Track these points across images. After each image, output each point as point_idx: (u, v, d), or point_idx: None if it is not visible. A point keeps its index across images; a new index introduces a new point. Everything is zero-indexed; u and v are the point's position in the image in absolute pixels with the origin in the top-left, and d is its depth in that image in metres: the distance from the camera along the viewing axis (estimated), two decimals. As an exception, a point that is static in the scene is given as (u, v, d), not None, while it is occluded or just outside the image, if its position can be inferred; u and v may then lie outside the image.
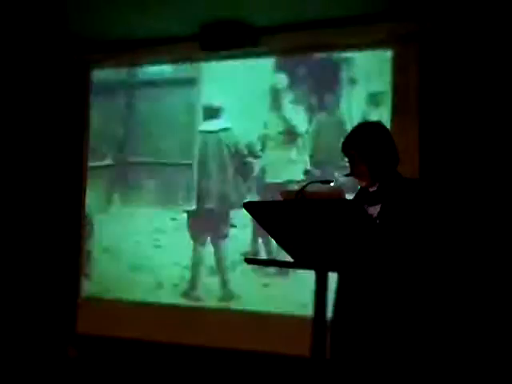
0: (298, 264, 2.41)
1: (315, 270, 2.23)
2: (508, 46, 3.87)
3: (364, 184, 2.45)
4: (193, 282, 4.73)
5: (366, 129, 2.47)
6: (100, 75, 5.19)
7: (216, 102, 4.76)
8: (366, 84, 4.35)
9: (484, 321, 3.65)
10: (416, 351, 2.34)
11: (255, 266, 4.28)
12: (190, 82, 4.87)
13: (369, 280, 2.33)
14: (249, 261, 2.36)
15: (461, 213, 3.74)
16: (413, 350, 2.34)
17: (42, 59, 5.08)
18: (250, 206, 2.35)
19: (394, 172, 2.44)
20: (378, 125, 2.55)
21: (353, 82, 4.41)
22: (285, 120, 4.58)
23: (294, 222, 2.22)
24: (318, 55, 4.53)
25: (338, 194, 2.09)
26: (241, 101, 4.67)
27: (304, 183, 2.37)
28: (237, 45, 4.56)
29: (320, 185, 2.29)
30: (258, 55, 4.67)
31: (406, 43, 4.20)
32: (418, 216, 2.27)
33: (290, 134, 4.56)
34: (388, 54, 4.29)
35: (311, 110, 4.52)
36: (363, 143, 2.40)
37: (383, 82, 4.28)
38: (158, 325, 4.67)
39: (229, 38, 4.55)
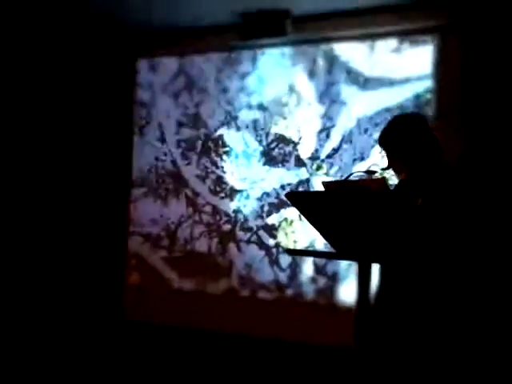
0: (341, 255, 2.40)
1: (358, 261, 2.22)
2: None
3: (401, 178, 2.41)
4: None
5: (402, 123, 2.40)
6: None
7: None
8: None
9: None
10: (456, 346, 2.30)
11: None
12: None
13: (411, 272, 2.30)
14: (290, 251, 2.35)
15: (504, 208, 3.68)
16: (456, 345, 2.31)
17: (90, 53, 5.15)
18: (291, 197, 2.34)
19: (434, 163, 2.38)
20: (414, 117, 2.46)
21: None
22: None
23: (336, 213, 2.20)
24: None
25: (381, 184, 2.06)
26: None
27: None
28: (278, 33, 4.53)
29: (364, 175, 2.26)
30: (301, 43, 4.63)
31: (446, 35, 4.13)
32: (459, 208, 2.22)
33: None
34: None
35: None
36: (397, 139, 2.35)
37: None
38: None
39: (270, 26, 4.53)
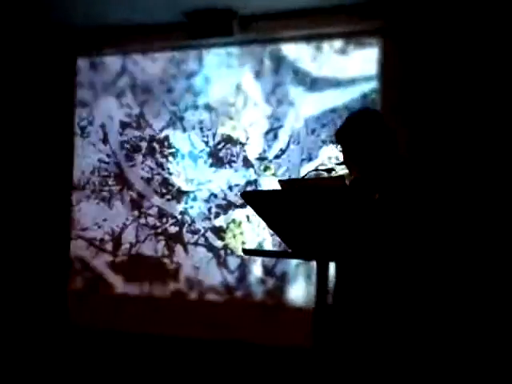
0: (297, 254, 2.37)
1: (315, 260, 2.20)
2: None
3: (355, 174, 2.41)
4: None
5: (359, 118, 2.40)
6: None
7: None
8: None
9: (485, 314, 3.68)
10: (415, 344, 2.32)
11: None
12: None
13: (369, 270, 2.30)
14: (246, 252, 2.31)
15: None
16: (412, 342, 2.32)
17: (27, 52, 4.97)
18: (247, 196, 2.31)
19: (391, 157, 2.39)
20: (371, 113, 2.47)
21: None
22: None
23: (292, 212, 2.18)
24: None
25: (339, 181, 2.04)
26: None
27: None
28: (225, 32, 4.49)
29: (322, 173, 2.25)
30: (248, 43, 4.60)
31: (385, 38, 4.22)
32: (416, 202, 2.24)
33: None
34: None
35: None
36: (356, 134, 2.35)
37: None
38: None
39: (217, 26, 4.48)
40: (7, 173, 4.90)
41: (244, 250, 2.31)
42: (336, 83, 4.36)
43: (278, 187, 2.25)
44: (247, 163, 4.57)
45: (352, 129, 2.38)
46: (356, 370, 2.38)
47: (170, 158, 4.81)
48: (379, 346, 2.32)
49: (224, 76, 4.68)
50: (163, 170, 4.83)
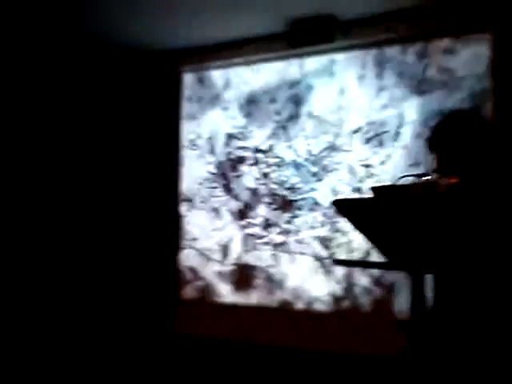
0: (390, 265, 2.28)
1: (409, 272, 2.10)
2: None
3: (451, 182, 2.26)
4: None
5: (456, 120, 2.26)
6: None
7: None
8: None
9: None
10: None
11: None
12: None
13: (468, 282, 2.15)
14: (337, 262, 2.25)
15: None
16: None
17: (136, 72, 5.22)
18: (339, 204, 2.24)
19: (490, 166, 2.23)
20: (469, 114, 2.31)
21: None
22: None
23: (384, 220, 2.09)
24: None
25: (427, 188, 1.93)
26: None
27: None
28: (327, 39, 4.45)
29: (415, 179, 2.14)
30: (350, 48, 4.52)
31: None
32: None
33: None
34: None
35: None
36: (451, 137, 2.21)
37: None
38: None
39: (318, 33, 4.44)
40: (118, 186, 5.15)
41: (334, 261, 2.24)
42: (443, 84, 4.17)
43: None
44: (351, 170, 4.48)
45: (446, 130, 2.25)
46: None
47: (275, 168, 4.82)
48: (478, 358, 2.17)
49: (326, 83, 4.63)
50: (268, 179, 4.85)
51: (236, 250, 4.95)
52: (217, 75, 5.15)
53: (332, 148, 4.58)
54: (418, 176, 2.15)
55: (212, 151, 5.15)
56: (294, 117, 4.76)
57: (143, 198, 5.21)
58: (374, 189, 2.12)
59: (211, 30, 4.69)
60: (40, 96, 4.74)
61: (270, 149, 4.85)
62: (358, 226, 2.24)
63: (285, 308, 4.68)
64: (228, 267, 4.98)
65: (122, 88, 5.20)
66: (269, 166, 4.85)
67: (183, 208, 5.24)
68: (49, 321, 4.52)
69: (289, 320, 4.62)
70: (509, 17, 3.92)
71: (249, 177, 4.94)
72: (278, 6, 4.22)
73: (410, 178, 2.15)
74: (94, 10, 4.30)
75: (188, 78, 5.29)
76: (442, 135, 2.25)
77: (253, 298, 4.83)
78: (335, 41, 4.46)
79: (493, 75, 3.98)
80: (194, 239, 5.17)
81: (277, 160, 4.82)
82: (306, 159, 4.69)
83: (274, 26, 4.54)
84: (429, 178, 2.08)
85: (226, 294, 4.96)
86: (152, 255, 5.15)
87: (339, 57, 4.58)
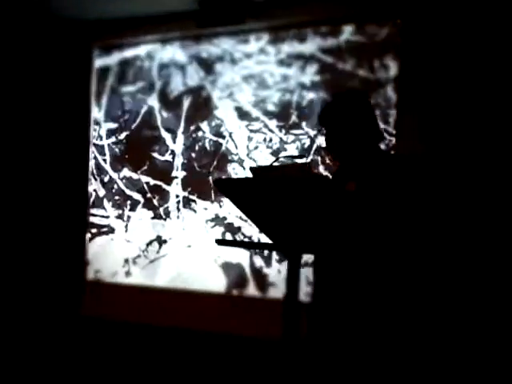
0: (268, 246, 2.28)
1: (285, 252, 2.11)
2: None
3: (337, 160, 2.30)
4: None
5: (343, 101, 2.28)
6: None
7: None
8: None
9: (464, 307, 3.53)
10: (398, 336, 2.19)
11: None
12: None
13: (345, 261, 2.19)
14: (219, 242, 2.23)
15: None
16: (394, 335, 2.19)
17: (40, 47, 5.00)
18: (219, 184, 2.23)
19: (373, 148, 2.27)
20: (357, 96, 2.34)
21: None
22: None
23: (261, 201, 2.09)
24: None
25: (303, 169, 1.94)
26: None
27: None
28: (235, 20, 4.40)
29: (293, 160, 2.14)
30: (257, 31, 4.50)
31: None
32: (394, 193, 2.11)
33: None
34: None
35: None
36: (338, 118, 2.23)
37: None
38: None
39: (227, 14, 4.39)
40: (26, 162, 4.96)
41: (217, 241, 2.23)
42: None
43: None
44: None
45: (334, 110, 2.27)
46: (338, 364, 2.28)
47: (184, 149, 4.78)
48: (360, 341, 2.21)
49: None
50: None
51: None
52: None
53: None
54: (295, 157, 2.16)
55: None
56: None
57: (49, 177, 5.03)
58: (252, 169, 2.11)
59: (123, 4, 4.57)
60: None
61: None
62: (239, 206, 2.23)
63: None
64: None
65: (31, 55, 4.97)
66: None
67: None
68: None
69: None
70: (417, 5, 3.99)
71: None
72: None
73: (288, 159, 2.16)
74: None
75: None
76: (330, 113, 2.28)
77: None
78: (246, 23, 4.42)
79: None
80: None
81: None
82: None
83: (183, 4, 4.46)
84: (305, 159, 2.08)
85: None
86: (58, 235, 5.00)
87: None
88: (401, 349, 2.20)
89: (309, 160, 2.06)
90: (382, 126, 4.02)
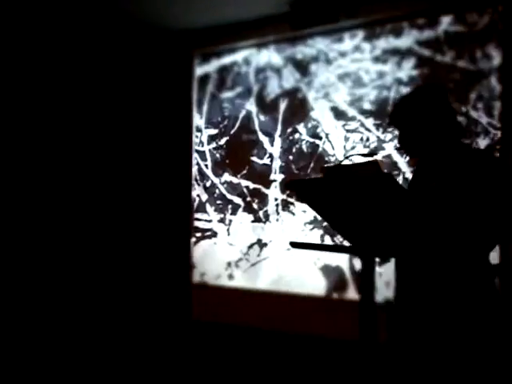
0: (343, 248, 2.21)
1: (360, 256, 2.03)
2: None
3: (415, 159, 2.17)
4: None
5: (415, 97, 2.15)
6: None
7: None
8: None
9: None
10: (480, 340, 2.03)
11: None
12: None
13: (423, 264, 2.07)
14: (294, 244, 2.19)
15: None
16: (477, 339, 2.04)
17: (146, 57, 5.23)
18: (291, 186, 2.19)
19: (455, 144, 2.12)
20: (431, 89, 2.20)
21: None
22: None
23: (331, 200, 2.03)
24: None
25: (374, 166, 1.85)
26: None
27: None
28: (330, 19, 4.34)
29: (361, 158, 2.06)
30: (351, 28, 4.40)
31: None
32: (476, 192, 1.95)
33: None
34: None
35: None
36: (411, 114, 2.11)
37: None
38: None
39: (321, 13, 4.34)
40: (129, 171, 5.17)
41: (291, 243, 2.19)
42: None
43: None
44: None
45: (407, 105, 2.15)
46: (420, 366, 2.16)
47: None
48: (442, 343, 2.08)
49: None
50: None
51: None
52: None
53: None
54: (365, 155, 2.07)
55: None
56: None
57: (155, 183, 5.24)
58: (322, 169, 2.05)
59: (215, 11, 4.67)
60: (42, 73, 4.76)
61: (277, 132, 4.80)
62: (312, 206, 2.18)
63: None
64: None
65: (134, 65, 5.20)
66: (276, 149, 4.81)
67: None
68: (61, 315, 4.59)
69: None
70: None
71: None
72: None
73: (358, 157, 2.07)
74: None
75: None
76: (403, 111, 2.16)
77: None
78: (340, 21, 4.34)
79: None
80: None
81: (283, 144, 4.77)
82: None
83: (275, 7, 4.46)
84: (375, 156, 1.99)
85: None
86: (165, 240, 5.19)
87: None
88: (483, 354, 2.04)
89: (377, 158, 1.94)
90: (486, 119, 3.86)
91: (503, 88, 3.81)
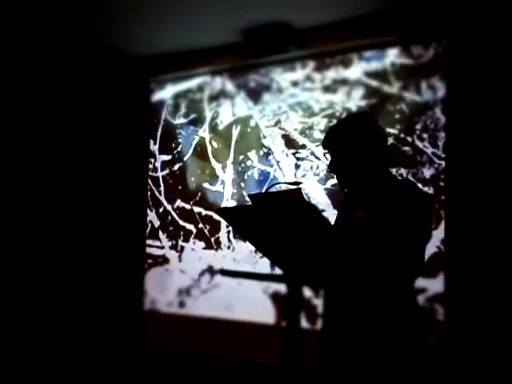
0: (270, 277, 2.21)
1: (287, 284, 2.02)
2: None
3: (343, 185, 2.19)
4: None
5: (347, 123, 2.19)
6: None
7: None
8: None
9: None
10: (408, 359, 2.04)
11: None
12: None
13: (347, 294, 2.07)
14: (224, 272, 2.18)
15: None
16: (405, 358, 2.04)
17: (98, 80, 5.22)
18: (221, 212, 2.18)
19: (382, 173, 2.14)
20: (362, 117, 2.23)
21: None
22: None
23: (260, 227, 2.03)
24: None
25: (296, 195, 1.86)
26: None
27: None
28: (281, 49, 4.40)
29: (286, 186, 2.07)
30: (302, 58, 4.47)
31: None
32: (402, 222, 1.97)
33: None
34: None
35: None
36: (343, 141, 2.13)
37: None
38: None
39: (272, 43, 4.40)
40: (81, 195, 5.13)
41: (221, 271, 2.19)
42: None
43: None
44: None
45: (337, 133, 2.17)
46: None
47: (234, 179, 4.79)
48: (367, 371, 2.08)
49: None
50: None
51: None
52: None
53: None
54: (291, 184, 2.08)
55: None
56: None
57: (109, 209, 5.19)
58: (250, 196, 2.06)
59: (172, 39, 4.71)
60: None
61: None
62: (242, 233, 2.18)
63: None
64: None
65: (91, 88, 5.18)
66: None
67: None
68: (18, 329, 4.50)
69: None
70: (461, 24, 3.84)
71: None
72: (232, 15, 4.20)
73: (284, 186, 2.09)
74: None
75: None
76: (334, 136, 2.18)
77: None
78: (290, 51, 4.41)
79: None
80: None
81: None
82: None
83: (229, 36, 4.52)
84: (299, 185, 2.00)
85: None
86: (117, 266, 5.14)
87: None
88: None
89: (300, 186, 1.94)
90: (431, 149, 3.93)
91: (447, 119, 3.90)
